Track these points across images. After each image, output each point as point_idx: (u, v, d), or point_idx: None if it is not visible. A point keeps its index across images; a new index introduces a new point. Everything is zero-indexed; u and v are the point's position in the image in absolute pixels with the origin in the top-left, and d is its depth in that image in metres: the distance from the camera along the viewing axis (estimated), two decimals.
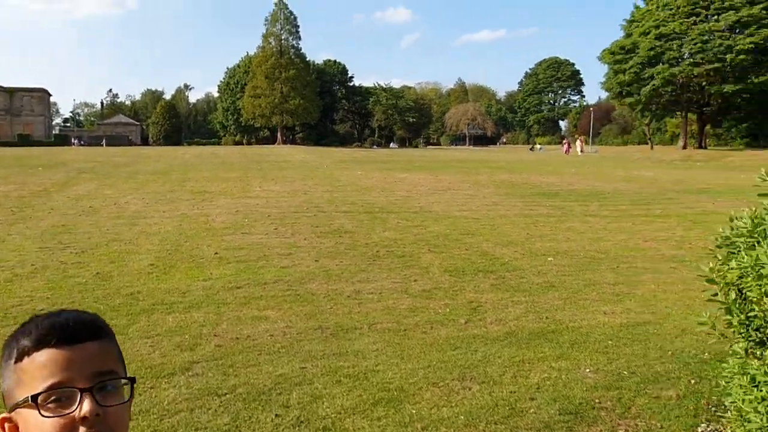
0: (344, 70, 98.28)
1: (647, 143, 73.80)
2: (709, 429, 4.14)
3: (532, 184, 23.89)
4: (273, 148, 63.62)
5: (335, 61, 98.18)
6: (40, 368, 1.05)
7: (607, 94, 68.09)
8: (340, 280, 8.03)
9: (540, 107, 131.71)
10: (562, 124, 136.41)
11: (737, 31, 52.95)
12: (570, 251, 10.06)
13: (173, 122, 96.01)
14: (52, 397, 1.03)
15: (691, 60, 52.76)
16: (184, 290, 7.47)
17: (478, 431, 4.02)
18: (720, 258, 3.76)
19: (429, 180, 25.34)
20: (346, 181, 24.58)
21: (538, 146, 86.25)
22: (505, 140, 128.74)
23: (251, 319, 6.37)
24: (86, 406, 1.02)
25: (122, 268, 8.64)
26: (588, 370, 5.09)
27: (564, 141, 64.21)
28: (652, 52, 54.18)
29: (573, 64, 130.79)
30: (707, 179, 27.65)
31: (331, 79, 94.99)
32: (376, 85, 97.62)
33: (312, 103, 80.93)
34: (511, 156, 55.82)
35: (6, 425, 1.09)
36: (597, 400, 4.50)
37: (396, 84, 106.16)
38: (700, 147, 60.76)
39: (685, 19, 53.59)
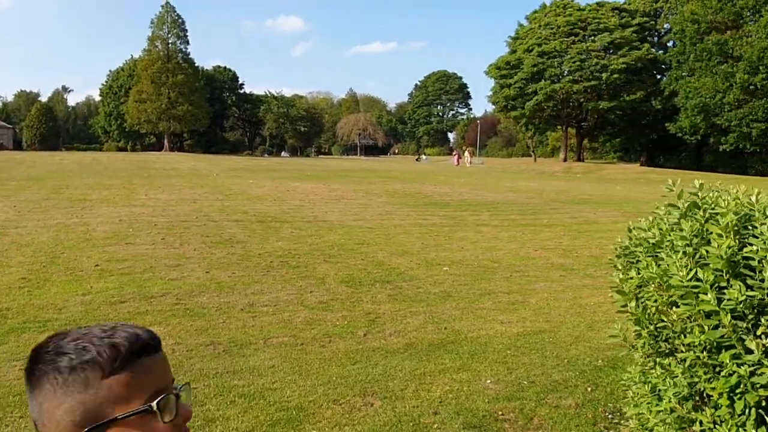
0: (235, 77, 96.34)
1: (530, 155, 77.06)
2: None
3: (424, 194, 24.18)
4: (160, 155, 61.26)
5: (225, 68, 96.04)
6: (142, 378, 1.04)
7: (493, 107, 70.46)
8: (233, 293, 7.67)
9: (429, 119, 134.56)
10: (451, 135, 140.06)
11: (611, 51, 56.34)
12: (464, 260, 10.15)
13: (50, 126, 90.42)
14: (161, 403, 1.04)
15: (571, 77, 55.60)
16: (60, 306, 6.88)
17: None
18: (620, 267, 3.81)
19: (322, 189, 25.10)
20: (237, 189, 23.91)
21: (424, 157, 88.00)
22: (396, 150, 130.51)
23: None
24: (186, 407, 1.09)
25: None
26: (489, 381, 5.05)
27: (454, 152, 65.78)
28: (535, 69, 56.64)
29: (460, 78, 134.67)
30: (587, 190, 29.08)
31: (221, 85, 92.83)
32: (268, 93, 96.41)
33: (201, 110, 78.68)
34: (402, 166, 56.55)
35: None
36: (500, 412, 4.46)
37: (288, 93, 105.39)
38: (579, 160, 64.09)
39: (565, 38, 56.43)
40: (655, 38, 63.46)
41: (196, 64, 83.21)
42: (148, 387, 1.04)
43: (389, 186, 28.03)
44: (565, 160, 60.93)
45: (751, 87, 43.67)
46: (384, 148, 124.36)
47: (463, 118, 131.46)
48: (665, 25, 62.42)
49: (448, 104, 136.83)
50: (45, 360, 1.02)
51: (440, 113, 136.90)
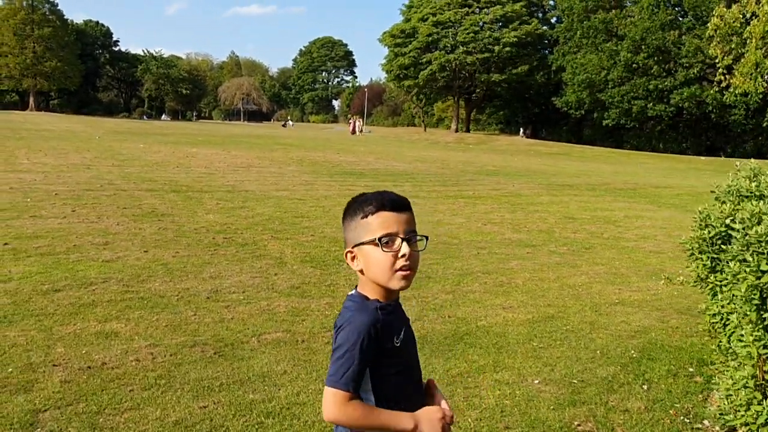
0: (108, 33, 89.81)
1: (415, 125, 77.48)
2: None
3: (332, 163, 23.33)
4: (27, 114, 56.10)
5: (98, 23, 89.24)
6: (380, 223, 1.75)
7: (386, 75, 69.90)
8: (187, 277, 6.61)
9: (314, 85, 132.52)
10: (336, 103, 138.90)
11: (502, 24, 57.19)
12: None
13: None
14: (386, 240, 1.74)
15: (464, 49, 55.97)
16: None
17: None
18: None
19: (223, 156, 23.62)
20: (129, 154, 21.98)
21: (290, 123, 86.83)
22: (279, 118, 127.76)
23: (95, 336, 4.83)
24: (405, 248, 1.76)
25: None
26: (536, 381, 4.46)
27: (350, 121, 64.68)
28: (429, 38, 56.54)
29: (346, 45, 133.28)
30: (489, 162, 29.29)
31: (93, 42, 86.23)
32: (146, 52, 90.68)
33: (71, 67, 72.72)
34: (296, 133, 55.16)
35: (349, 255, 1.84)
36: (575, 422, 3.87)
37: (164, 53, 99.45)
38: (467, 131, 65.11)
39: (459, 9, 56.64)
40: (540, 14, 65.08)
41: (65, 17, 76.65)
42: (382, 230, 1.76)
43: (292, 154, 26.91)
44: (456, 131, 61.69)
45: (634, 65, 45.80)
46: (268, 114, 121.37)
47: (348, 86, 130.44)
48: (550, 2, 64.10)
49: (334, 71, 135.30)
50: (346, 208, 1.86)
51: (325, 80, 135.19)
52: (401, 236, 1.74)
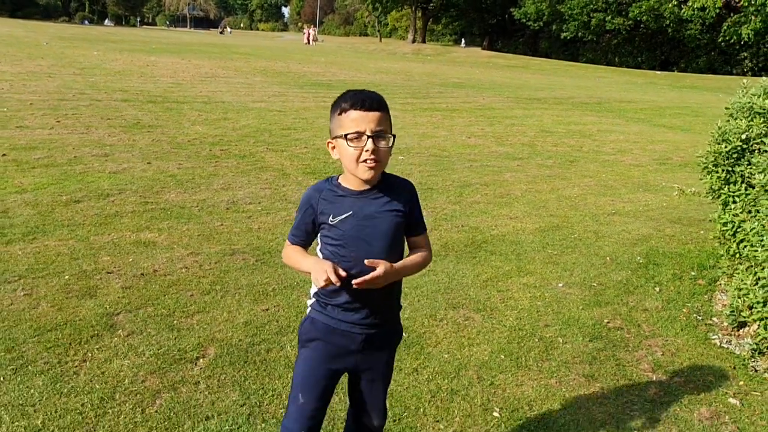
0: None
1: (368, 35, 75.91)
2: (722, 341, 4.12)
3: (297, 73, 22.96)
4: None
5: None
6: (350, 120, 1.96)
7: None
8: (199, 188, 6.70)
9: None
10: (285, 10, 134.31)
11: None
12: (411, 149, 9.71)
13: None
14: (354, 137, 1.95)
15: None
16: (2, 208, 5.59)
17: (525, 368, 3.50)
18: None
19: (184, 65, 22.95)
20: (87, 63, 21.15)
21: (228, 30, 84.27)
22: (225, 25, 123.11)
23: (134, 245, 4.96)
24: (369, 144, 1.95)
25: None
26: (560, 284, 4.82)
27: (304, 30, 62.74)
28: None
29: None
30: (452, 74, 29.21)
31: None
32: None
33: None
34: (250, 42, 53.52)
35: (329, 145, 2.09)
36: (605, 320, 4.25)
37: None
38: (423, 42, 64.19)
39: None
40: None
41: None
42: (352, 127, 1.95)
43: (254, 64, 26.28)
44: (413, 41, 60.77)
45: None
46: (215, 21, 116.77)
47: None
48: None
49: None
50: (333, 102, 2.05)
51: None
52: (368, 134, 1.93)
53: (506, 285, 4.72)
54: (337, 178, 2.09)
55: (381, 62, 35.68)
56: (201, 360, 3.38)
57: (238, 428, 2.84)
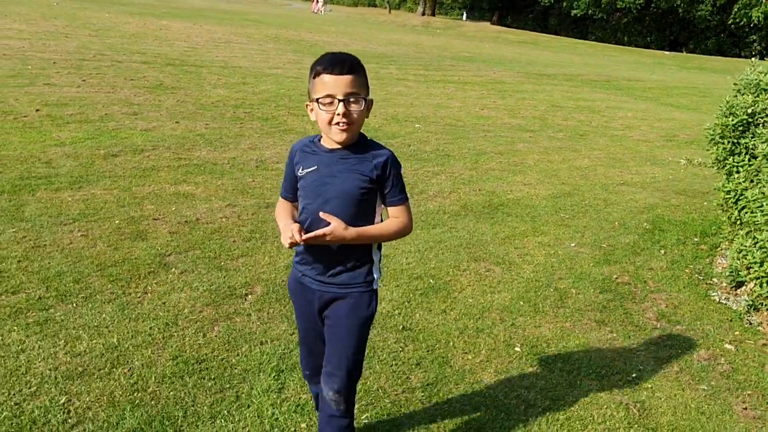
0: None
1: (377, 6, 75.39)
2: (721, 297, 4.48)
3: (309, 42, 23.11)
4: None
5: None
6: (322, 84, 2.00)
7: None
8: (228, 147, 7.02)
9: None
10: None
11: None
12: (426, 117, 9.99)
13: None
14: (327, 101, 1.99)
15: None
16: (42, 159, 5.92)
17: (542, 313, 3.86)
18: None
19: (197, 30, 23.10)
20: (100, 25, 21.29)
21: None
22: None
23: (174, 196, 5.29)
24: (340, 108, 1.98)
25: None
26: (572, 244, 5.16)
27: None
28: None
29: None
30: (462, 47, 29.29)
31: None
32: None
33: None
34: (258, 9, 53.22)
35: (307, 107, 2.11)
36: (614, 276, 4.60)
37: None
38: (432, 15, 63.85)
39: None
40: None
41: None
42: (323, 91, 1.99)
43: (265, 31, 26.38)
44: (423, 14, 60.50)
45: None
46: None
47: None
48: None
49: None
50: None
51: None
52: (339, 98, 1.97)
53: (522, 243, 5.07)
54: (320, 136, 2.15)
55: (391, 34, 35.67)
56: (250, 296, 3.73)
57: (290, 352, 3.20)
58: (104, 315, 3.37)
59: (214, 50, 16.81)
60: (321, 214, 2.05)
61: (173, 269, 3.97)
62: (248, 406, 2.76)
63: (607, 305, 4.11)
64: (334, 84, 1.97)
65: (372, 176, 2.07)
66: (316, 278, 2.17)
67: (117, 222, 4.61)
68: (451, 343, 3.44)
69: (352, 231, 2.05)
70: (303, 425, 2.68)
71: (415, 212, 5.43)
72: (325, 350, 2.24)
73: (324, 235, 2.02)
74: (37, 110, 7.74)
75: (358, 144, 2.11)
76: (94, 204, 4.92)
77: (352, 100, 1.99)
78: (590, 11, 50.34)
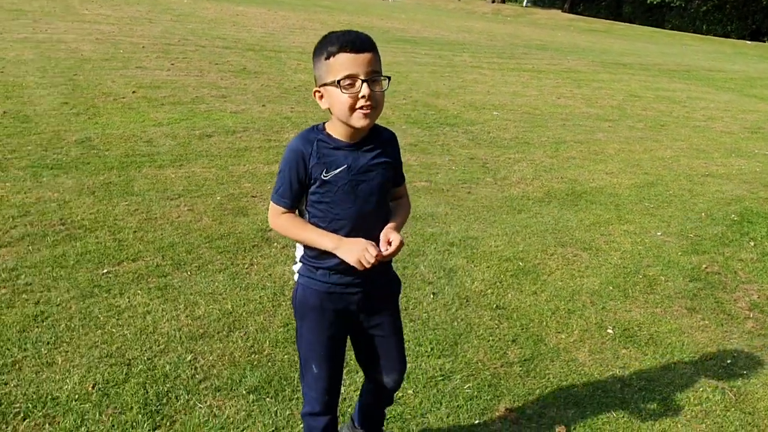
0: None
1: None
2: None
3: (381, 29, 23.24)
4: None
5: None
6: (340, 64, 1.74)
7: None
8: None
9: None
10: None
11: None
12: (504, 105, 10.01)
13: None
14: (347, 82, 1.74)
15: None
16: (143, 138, 6.26)
17: (632, 298, 3.92)
18: None
19: (272, 16, 23.60)
20: (180, 10, 21.97)
21: None
22: None
23: (269, 176, 5.54)
24: (365, 89, 1.74)
25: (29, 105, 6.99)
26: (659, 233, 5.16)
27: None
28: None
29: None
30: (534, 35, 28.93)
31: None
32: None
33: None
34: None
35: (317, 94, 1.85)
36: (703, 265, 4.60)
37: None
38: (502, 2, 63.05)
39: None
40: None
41: None
42: (343, 71, 1.74)
43: (338, 17, 26.68)
44: (493, 1, 59.84)
45: None
46: None
47: None
48: None
49: None
50: (315, 47, 1.83)
51: None
52: (361, 78, 1.73)
53: (608, 230, 5.11)
54: (323, 127, 1.89)
55: (461, 21, 35.48)
56: None
57: None
58: (217, 283, 3.61)
59: (290, 36, 17.17)
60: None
61: (275, 243, 4.19)
62: (357, 372, 2.94)
63: (698, 293, 4.13)
64: (355, 63, 1.73)
65: (392, 161, 1.96)
66: (354, 282, 1.95)
67: (218, 198, 4.88)
68: (544, 323, 3.55)
69: (399, 227, 1.97)
70: (410, 391, 2.85)
71: (499, 197, 5.55)
72: (378, 352, 2.11)
73: (400, 245, 1.86)
74: (134, 92, 8.14)
75: (372, 130, 1.90)
76: (195, 181, 5.21)
77: (375, 80, 1.77)
78: None
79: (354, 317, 2.02)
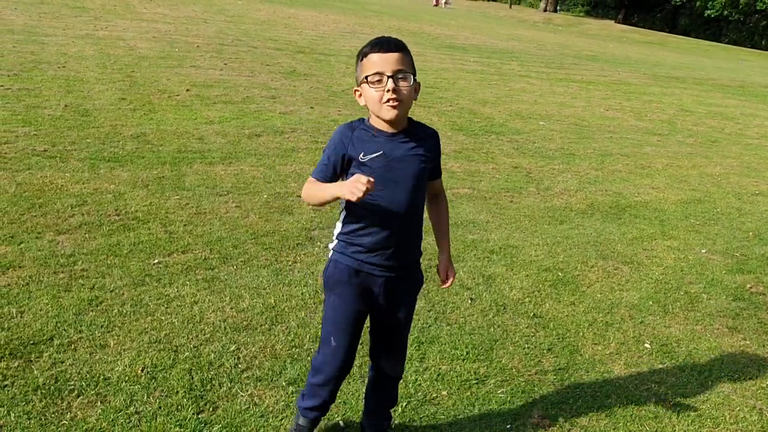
0: None
1: (497, 0, 74.44)
2: None
3: (431, 35, 23.34)
4: None
5: None
6: (372, 63, 2.03)
7: None
8: None
9: None
10: None
11: None
12: (551, 116, 9.98)
13: None
14: (375, 78, 2.01)
15: None
16: (195, 135, 6.45)
17: (672, 314, 3.90)
18: None
19: (323, 19, 23.87)
20: (234, 11, 22.39)
21: None
22: None
23: None
24: (390, 84, 2.00)
25: (88, 100, 7.26)
26: (703, 250, 5.12)
27: None
28: None
29: None
30: (585, 46, 28.63)
31: None
32: None
33: None
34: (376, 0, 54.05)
35: (356, 93, 2.13)
36: (747, 285, 4.54)
37: None
38: (554, 11, 62.50)
39: None
40: None
41: None
42: (371, 69, 2.02)
43: (388, 22, 26.82)
44: (545, 10, 59.40)
45: None
46: None
47: None
48: None
49: None
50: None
51: None
52: (387, 74, 1.98)
53: (651, 245, 5.08)
54: (368, 119, 2.14)
55: (512, 29, 35.34)
56: None
57: (428, 327, 3.43)
58: (261, 278, 3.73)
59: (340, 39, 17.36)
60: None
61: (318, 243, 4.29)
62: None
63: (740, 313, 4.09)
64: (382, 62, 1.99)
65: (430, 156, 2.16)
66: (383, 263, 2.16)
67: (265, 196, 5.01)
68: (581, 333, 3.57)
69: (447, 249, 2.40)
70: (444, 393, 2.91)
71: (541, 207, 5.56)
72: (384, 338, 2.34)
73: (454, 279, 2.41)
74: (188, 90, 8.37)
75: (411, 126, 2.14)
76: (243, 179, 5.36)
77: (400, 76, 2.00)
78: (726, 12, 47.72)
79: (375, 300, 2.20)
